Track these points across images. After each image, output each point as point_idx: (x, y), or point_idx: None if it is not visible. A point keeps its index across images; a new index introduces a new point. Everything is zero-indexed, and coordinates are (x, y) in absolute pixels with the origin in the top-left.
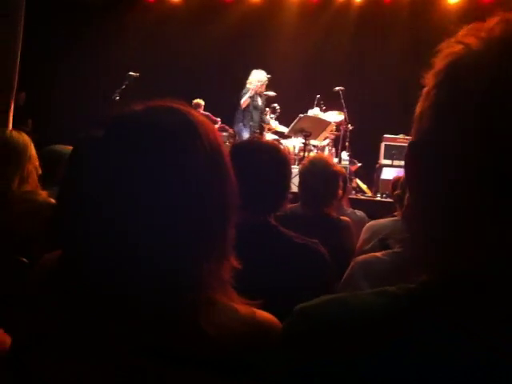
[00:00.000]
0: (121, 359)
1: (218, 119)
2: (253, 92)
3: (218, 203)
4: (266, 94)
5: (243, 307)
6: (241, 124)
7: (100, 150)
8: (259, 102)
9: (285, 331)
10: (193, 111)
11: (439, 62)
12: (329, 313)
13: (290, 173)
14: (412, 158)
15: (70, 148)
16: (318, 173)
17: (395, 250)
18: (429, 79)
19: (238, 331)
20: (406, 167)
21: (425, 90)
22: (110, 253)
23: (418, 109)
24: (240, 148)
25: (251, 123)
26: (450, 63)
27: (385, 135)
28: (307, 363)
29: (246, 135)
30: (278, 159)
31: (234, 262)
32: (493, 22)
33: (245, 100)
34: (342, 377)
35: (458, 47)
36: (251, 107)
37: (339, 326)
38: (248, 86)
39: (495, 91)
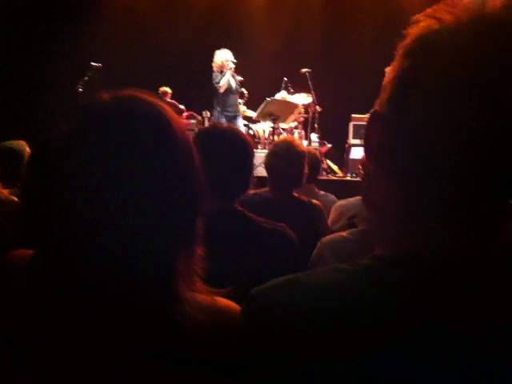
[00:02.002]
0: (121, 359)
1: (183, 107)
2: (231, 72)
3: (189, 193)
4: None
5: (204, 297)
6: (218, 109)
7: (69, 144)
8: (233, 84)
9: (242, 314)
10: (158, 101)
11: (410, 35)
12: (282, 293)
13: (252, 157)
14: (372, 127)
15: (24, 144)
16: (282, 154)
17: (360, 228)
18: (398, 50)
19: (199, 321)
20: (365, 137)
21: (394, 60)
22: (87, 250)
23: (385, 79)
24: (201, 135)
25: (229, 108)
26: (420, 36)
27: (353, 115)
28: (264, 344)
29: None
30: (239, 144)
31: (200, 251)
32: None
33: (224, 83)
34: (314, 359)
35: (431, 21)
36: (228, 92)
37: (292, 304)
38: (215, 68)
39: (461, 69)
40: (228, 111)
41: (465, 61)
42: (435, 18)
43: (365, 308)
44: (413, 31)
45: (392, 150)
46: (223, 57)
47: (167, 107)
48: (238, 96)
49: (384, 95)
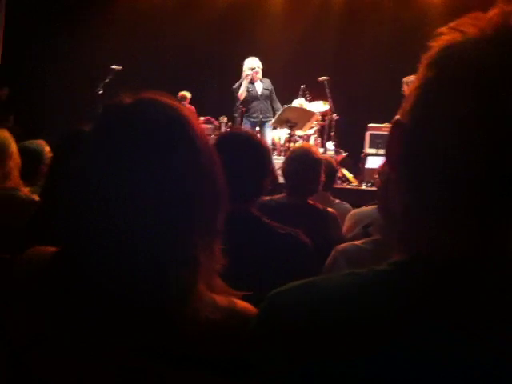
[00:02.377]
0: (121, 359)
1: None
2: (244, 80)
3: (209, 194)
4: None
5: (223, 298)
6: (245, 115)
7: (90, 144)
8: (258, 90)
9: (258, 317)
10: (178, 104)
11: (435, 47)
12: (298, 295)
13: (269, 162)
14: (394, 136)
15: (43, 143)
16: (299, 161)
17: (375, 237)
18: (423, 61)
19: (218, 323)
20: (387, 145)
21: (418, 71)
22: (104, 249)
23: (408, 89)
24: (220, 140)
25: (254, 114)
26: (444, 48)
27: (369, 124)
28: (281, 347)
29: (248, 127)
30: (255, 149)
31: (221, 252)
32: (492, 12)
33: (241, 91)
34: (315, 358)
35: (455, 34)
36: (248, 97)
37: (303, 305)
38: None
39: (485, 80)
40: (253, 117)
41: (489, 73)
42: (459, 30)
43: (366, 309)
44: (437, 43)
45: (413, 158)
46: (245, 65)
47: (187, 110)
48: (268, 100)
49: (406, 105)
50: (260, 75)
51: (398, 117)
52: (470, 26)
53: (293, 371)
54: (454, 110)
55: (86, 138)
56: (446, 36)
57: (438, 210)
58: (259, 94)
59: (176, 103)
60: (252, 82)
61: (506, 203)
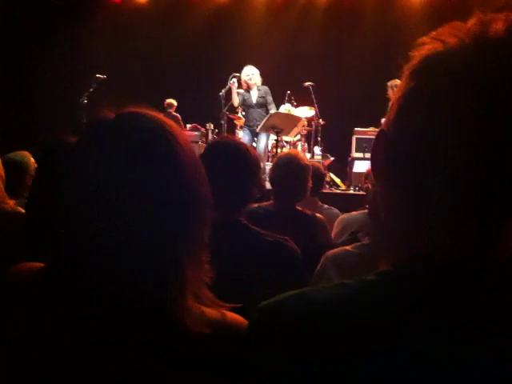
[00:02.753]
0: (121, 359)
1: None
2: (230, 87)
3: (194, 206)
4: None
5: (212, 311)
6: (224, 123)
7: (74, 160)
8: (253, 98)
9: (249, 329)
10: (162, 116)
11: (416, 56)
12: (289, 308)
13: (257, 170)
14: (380, 145)
15: (28, 155)
16: (285, 168)
17: (364, 242)
18: (405, 71)
19: (205, 335)
20: (372, 155)
21: (401, 81)
22: (98, 256)
23: (392, 98)
24: (207, 149)
25: (250, 123)
26: (426, 57)
27: (355, 128)
28: (272, 358)
29: (245, 138)
30: (243, 158)
31: (207, 263)
32: (471, 22)
33: (233, 99)
34: (306, 369)
35: (436, 44)
36: (245, 106)
37: (299, 319)
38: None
39: (465, 89)
40: (249, 125)
41: (468, 81)
42: (440, 40)
43: (365, 311)
44: (418, 53)
45: (397, 167)
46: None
47: (171, 122)
48: (264, 108)
49: (390, 114)
50: (255, 82)
51: (382, 127)
52: (449, 35)
53: (293, 373)
54: (435, 120)
55: (71, 153)
56: (426, 46)
57: (437, 211)
58: (254, 102)
59: (159, 116)
60: (248, 90)
61: (504, 203)
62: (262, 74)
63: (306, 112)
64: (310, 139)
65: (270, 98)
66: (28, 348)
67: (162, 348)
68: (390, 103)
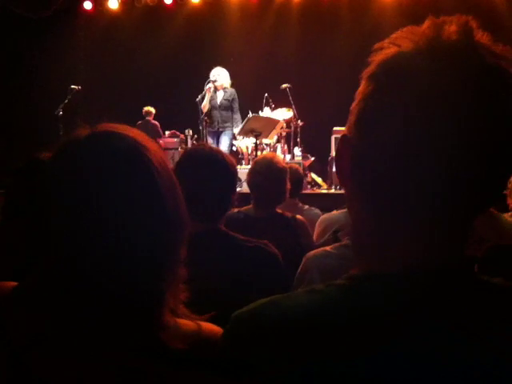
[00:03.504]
0: (121, 359)
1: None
2: (206, 93)
3: (169, 220)
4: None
5: (187, 322)
6: (204, 128)
7: (48, 180)
8: (218, 99)
9: (223, 337)
10: (136, 133)
11: (374, 61)
12: (262, 316)
13: (234, 177)
14: (342, 151)
15: None
16: (262, 172)
17: (343, 242)
18: (364, 76)
19: (180, 351)
20: (336, 161)
21: (360, 85)
22: (86, 252)
23: (352, 104)
24: (183, 159)
25: (213, 124)
26: (382, 61)
27: (334, 128)
28: (244, 363)
29: (209, 140)
30: (219, 166)
31: (184, 275)
32: (425, 25)
33: (204, 103)
34: (278, 371)
35: (392, 48)
36: (210, 107)
37: (272, 328)
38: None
39: (419, 91)
40: (211, 127)
41: (422, 82)
42: (396, 44)
43: (338, 317)
44: (376, 58)
45: (361, 171)
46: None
47: (145, 139)
48: (229, 110)
49: (351, 118)
50: (221, 83)
51: (344, 132)
52: (405, 39)
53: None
54: (391, 122)
55: (44, 175)
56: (383, 50)
57: (410, 223)
58: (218, 103)
59: (133, 134)
60: (216, 90)
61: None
62: (239, 78)
63: (284, 114)
64: (289, 141)
65: (234, 107)
66: (28, 348)
67: (162, 348)
68: (351, 108)
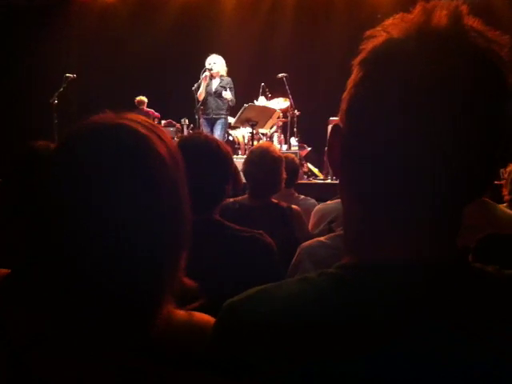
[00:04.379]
0: (121, 359)
1: (158, 114)
2: (202, 81)
3: (175, 219)
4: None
5: (180, 312)
6: (200, 117)
7: (51, 174)
8: (213, 86)
9: (215, 326)
10: (140, 119)
11: (365, 49)
12: (254, 305)
13: (230, 166)
14: (334, 140)
15: None
16: (257, 161)
17: (337, 232)
18: (354, 64)
19: (174, 341)
20: (328, 149)
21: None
22: (86, 251)
23: (344, 93)
24: (180, 146)
25: (207, 111)
26: (372, 48)
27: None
28: (236, 355)
29: (204, 128)
30: (215, 154)
31: (184, 268)
32: (415, 11)
33: (200, 91)
34: (270, 369)
35: (383, 35)
36: (205, 94)
37: (263, 317)
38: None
39: (409, 77)
40: (206, 114)
41: (412, 67)
42: (386, 32)
43: (331, 308)
44: (367, 45)
45: (349, 161)
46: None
47: (151, 126)
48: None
49: (342, 106)
50: (217, 71)
51: (336, 122)
52: (395, 26)
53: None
54: (383, 109)
55: (43, 170)
56: (374, 38)
57: (398, 216)
58: (213, 90)
59: (137, 119)
60: (211, 78)
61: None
62: (235, 67)
63: (280, 103)
64: (286, 130)
65: (229, 92)
66: (28, 348)
67: (162, 348)
68: (343, 96)
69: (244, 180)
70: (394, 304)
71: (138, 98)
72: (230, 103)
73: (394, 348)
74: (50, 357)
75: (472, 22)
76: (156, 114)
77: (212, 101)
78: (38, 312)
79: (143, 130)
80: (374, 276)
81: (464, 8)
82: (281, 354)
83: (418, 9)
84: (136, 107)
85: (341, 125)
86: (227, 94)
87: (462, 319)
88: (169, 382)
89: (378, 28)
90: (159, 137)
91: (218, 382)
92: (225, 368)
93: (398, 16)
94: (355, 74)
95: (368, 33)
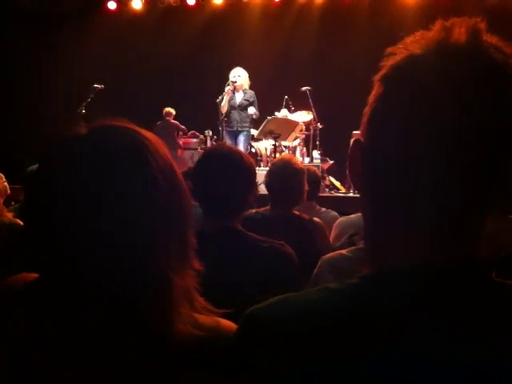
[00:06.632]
0: (121, 359)
1: (182, 126)
2: (225, 94)
3: (172, 215)
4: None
5: (206, 318)
6: (223, 129)
7: (48, 177)
8: (237, 100)
9: (237, 333)
10: (137, 128)
11: (385, 66)
12: (275, 313)
13: (253, 176)
14: (355, 154)
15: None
16: (280, 173)
17: (359, 246)
18: (375, 80)
19: (201, 342)
20: (349, 164)
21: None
22: (86, 252)
23: (365, 108)
24: (203, 157)
25: (231, 124)
26: (393, 65)
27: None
28: (257, 362)
29: (227, 140)
30: (238, 165)
31: (198, 268)
32: (435, 29)
33: (223, 104)
34: (292, 376)
35: (402, 53)
36: (228, 107)
37: (285, 325)
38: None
39: (430, 92)
40: (230, 127)
41: (430, 82)
42: (406, 49)
43: (351, 314)
44: (387, 62)
45: (370, 173)
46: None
47: (148, 134)
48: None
49: (363, 121)
50: (240, 84)
51: (357, 136)
52: (415, 44)
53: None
54: (402, 123)
55: (44, 169)
56: (395, 55)
57: (420, 218)
58: (237, 103)
59: (134, 128)
60: (234, 91)
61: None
62: (258, 80)
63: (304, 116)
64: (308, 143)
65: (253, 108)
66: (28, 348)
67: (162, 348)
68: (364, 111)
69: (261, 192)
70: (395, 305)
71: (166, 109)
72: (254, 116)
73: (394, 348)
74: (50, 357)
75: (490, 38)
76: (182, 127)
77: (236, 114)
78: (37, 312)
79: (136, 130)
80: (385, 283)
81: (483, 25)
82: (296, 359)
83: (437, 26)
84: (163, 118)
85: (362, 139)
86: (252, 110)
87: (463, 320)
88: (169, 382)
89: (399, 45)
90: (150, 141)
91: (218, 382)
92: (242, 373)
93: (418, 33)
94: (376, 90)
95: (389, 50)
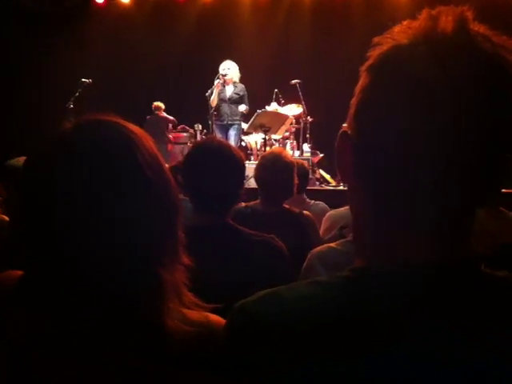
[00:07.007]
0: (121, 359)
1: (171, 118)
2: (215, 88)
3: (162, 210)
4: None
5: (195, 313)
6: (213, 123)
7: (36, 174)
8: (227, 93)
9: (226, 327)
10: (123, 123)
11: (371, 56)
12: (264, 307)
13: (242, 171)
14: (342, 147)
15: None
16: (269, 167)
17: (349, 239)
18: (362, 70)
19: (188, 333)
20: (337, 156)
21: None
22: (85, 252)
23: (352, 99)
24: (192, 152)
25: (221, 117)
26: (379, 55)
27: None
28: (247, 356)
29: (217, 133)
30: (228, 159)
31: (187, 263)
32: (421, 17)
33: (212, 98)
34: (292, 375)
35: (389, 42)
36: (218, 101)
37: (273, 318)
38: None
39: (417, 82)
40: (220, 120)
41: (418, 72)
42: (393, 39)
43: (342, 309)
44: (374, 52)
45: (361, 165)
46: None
47: (135, 128)
48: (238, 104)
49: (350, 112)
50: (230, 77)
51: (344, 128)
52: (402, 33)
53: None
54: (390, 113)
55: (31, 167)
56: (381, 45)
57: (411, 220)
58: (227, 97)
59: (119, 123)
60: (224, 84)
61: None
62: (248, 73)
63: (293, 110)
64: (298, 137)
65: (244, 105)
66: (28, 348)
67: (162, 348)
68: (351, 102)
69: (251, 186)
70: (395, 304)
71: (155, 104)
72: (245, 112)
73: (394, 348)
74: (50, 357)
75: (478, 27)
76: (171, 118)
77: (226, 107)
78: (38, 312)
79: (122, 124)
80: (380, 280)
81: (469, 13)
82: (287, 356)
83: (423, 15)
84: (152, 112)
85: (349, 131)
86: (242, 107)
87: (462, 319)
88: (169, 382)
89: (385, 35)
90: (136, 136)
91: (218, 382)
92: (234, 368)
93: (404, 23)
94: (363, 80)
95: (375, 40)
